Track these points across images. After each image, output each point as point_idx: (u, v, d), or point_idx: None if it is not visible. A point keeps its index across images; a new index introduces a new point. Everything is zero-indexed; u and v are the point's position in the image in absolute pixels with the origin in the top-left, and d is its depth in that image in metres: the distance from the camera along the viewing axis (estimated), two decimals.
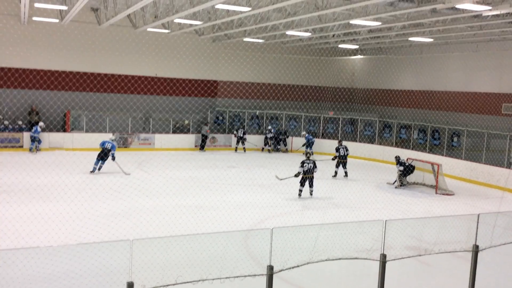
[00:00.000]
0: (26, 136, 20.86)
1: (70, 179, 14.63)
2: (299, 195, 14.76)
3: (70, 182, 14.23)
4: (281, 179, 15.37)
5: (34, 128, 20.57)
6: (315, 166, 14.77)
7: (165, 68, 25.48)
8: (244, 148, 24.32)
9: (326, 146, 23.99)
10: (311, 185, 14.86)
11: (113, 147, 16.99)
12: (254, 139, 25.04)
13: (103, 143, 17.11)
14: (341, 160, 18.51)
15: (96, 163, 16.90)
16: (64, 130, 22.55)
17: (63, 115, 22.90)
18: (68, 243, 9.16)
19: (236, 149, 24.37)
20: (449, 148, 21.71)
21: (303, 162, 14.72)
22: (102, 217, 11.54)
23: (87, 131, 22.36)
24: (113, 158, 16.84)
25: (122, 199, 13.27)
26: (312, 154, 22.41)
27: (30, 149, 20.57)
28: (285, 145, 25.38)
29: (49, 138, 21.25)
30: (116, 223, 10.86)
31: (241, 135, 24.27)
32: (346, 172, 18.59)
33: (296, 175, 14.77)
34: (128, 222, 11.17)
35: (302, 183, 14.75)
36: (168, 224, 11.01)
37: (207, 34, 23.84)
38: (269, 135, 24.98)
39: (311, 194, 14.87)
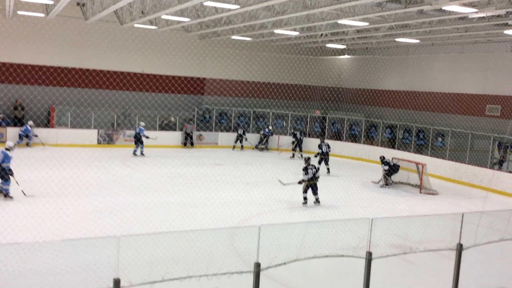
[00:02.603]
0: (10, 130, 20.58)
1: (57, 175, 14.48)
2: (305, 203, 13.86)
3: (56, 177, 14.08)
4: (284, 184, 14.48)
5: (24, 127, 20.69)
6: (317, 171, 14.00)
7: (152, 65, 25.32)
8: (242, 146, 24.51)
9: (312, 145, 24.03)
10: (315, 193, 13.92)
11: (141, 130, 20.58)
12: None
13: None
14: (323, 157, 18.90)
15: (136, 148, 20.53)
16: (49, 126, 22.31)
17: (48, 110, 22.65)
18: (54, 239, 9.07)
19: (233, 147, 24.52)
20: (433, 148, 21.98)
21: (306, 169, 13.78)
22: (88, 213, 11.46)
23: (71, 127, 22.15)
24: (146, 137, 20.58)
25: (108, 195, 13.20)
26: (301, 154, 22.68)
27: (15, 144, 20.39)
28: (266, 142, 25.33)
29: (33, 133, 21.00)
30: (103, 219, 10.80)
31: (241, 133, 24.49)
32: (328, 169, 18.95)
33: (300, 182, 13.95)
34: (115, 218, 11.10)
35: (305, 190, 13.89)
36: (155, 220, 10.99)
37: (195, 31, 23.76)
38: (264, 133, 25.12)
39: (318, 202, 13.93)
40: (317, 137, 25.32)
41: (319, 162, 18.72)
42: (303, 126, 26.63)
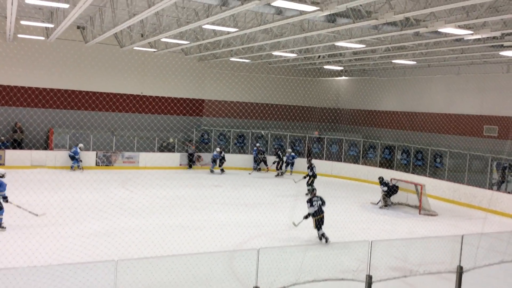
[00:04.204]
0: (8, 153, 20.56)
1: (55, 198, 14.41)
2: (325, 240, 12.12)
3: (54, 200, 14.01)
4: (296, 225, 12.71)
5: (73, 149, 21.09)
6: (323, 203, 12.47)
7: (151, 87, 25.48)
8: (222, 169, 23.58)
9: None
10: (320, 227, 12.23)
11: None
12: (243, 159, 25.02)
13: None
14: (313, 178, 18.92)
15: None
16: (47, 148, 22.30)
17: (46, 132, 22.67)
18: (51, 264, 8.98)
19: (212, 171, 23.42)
20: (432, 168, 21.98)
21: (311, 201, 12.35)
22: (85, 237, 11.37)
23: (70, 149, 22.13)
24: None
25: (106, 219, 13.10)
26: (291, 174, 22.66)
27: (71, 167, 21.05)
28: (265, 164, 25.06)
29: (31, 155, 20.98)
30: (101, 243, 10.72)
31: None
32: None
33: (306, 217, 12.40)
34: (113, 242, 11.02)
35: (318, 227, 12.21)
36: (153, 244, 10.90)
37: (194, 53, 23.97)
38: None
39: (326, 241, 12.10)
40: (314, 158, 25.33)
41: (309, 184, 18.64)
42: (302, 146, 26.66)
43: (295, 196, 18.15)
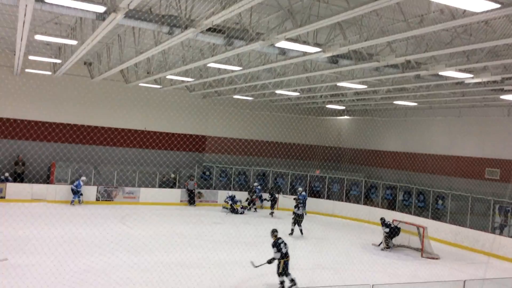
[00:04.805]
0: (9, 186, 20.53)
1: (53, 232, 14.29)
2: (294, 284, 11.35)
3: (52, 234, 13.89)
4: (256, 267, 11.63)
5: (76, 182, 21.01)
6: (285, 245, 11.53)
7: (155, 122, 25.68)
8: (189, 202, 23.80)
9: (311, 205, 23.79)
10: (288, 273, 11.33)
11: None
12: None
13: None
14: (298, 218, 18.26)
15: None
16: (49, 182, 22.27)
17: (48, 166, 22.70)
18: None
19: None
20: (434, 210, 21.80)
21: (276, 244, 11.34)
22: (80, 273, 11.18)
23: (72, 182, 22.09)
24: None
25: (102, 255, 12.93)
26: (306, 214, 21.81)
27: (72, 202, 20.89)
28: (261, 202, 24.59)
29: (33, 189, 20.94)
30: (94, 279, 10.54)
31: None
32: (301, 230, 18.24)
33: (270, 262, 11.39)
34: (107, 278, 10.84)
35: (282, 272, 11.27)
36: (150, 283, 10.73)
37: (198, 90, 24.28)
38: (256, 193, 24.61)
39: (293, 283, 11.33)
40: (318, 196, 25.20)
41: (294, 223, 18.27)
42: (304, 185, 26.45)
43: (295, 236, 17.97)
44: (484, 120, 21.98)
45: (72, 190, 20.98)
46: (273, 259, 11.29)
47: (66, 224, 16.39)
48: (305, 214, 22.73)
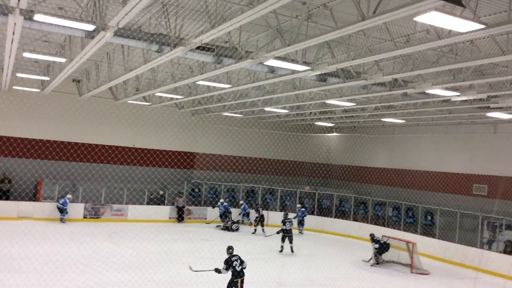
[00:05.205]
0: None
1: (38, 250, 14.07)
2: None
3: (37, 253, 13.67)
4: (194, 271, 11.37)
5: (62, 200, 20.68)
6: (242, 263, 10.80)
7: (143, 139, 25.59)
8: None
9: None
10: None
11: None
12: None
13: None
14: (287, 234, 17.95)
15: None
16: (35, 199, 22.00)
17: (35, 183, 22.44)
18: None
19: (255, 230, 22.18)
20: (423, 226, 21.88)
21: (229, 262, 10.67)
22: None
23: (58, 200, 21.82)
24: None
25: (88, 273, 12.75)
26: (302, 233, 21.11)
27: (62, 220, 20.62)
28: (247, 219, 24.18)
29: (19, 207, 20.65)
30: None
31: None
32: (292, 248, 17.98)
33: (217, 270, 10.82)
34: None
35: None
36: None
37: (187, 107, 24.29)
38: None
39: None
40: (308, 213, 25.10)
41: (283, 240, 18.00)
42: (293, 201, 26.45)
43: (284, 253, 17.89)
44: (471, 137, 22.25)
45: (59, 208, 20.67)
46: (220, 271, 10.69)
47: (52, 242, 16.17)
48: (302, 233, 22.65)
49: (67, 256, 14.18)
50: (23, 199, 21.50)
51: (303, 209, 23.55)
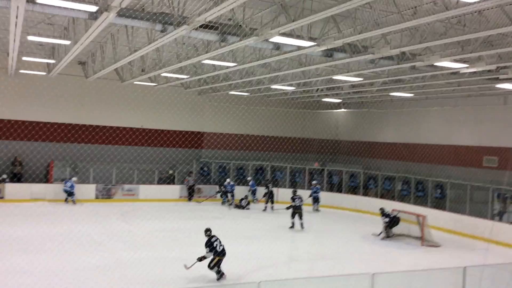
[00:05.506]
0: (7, 186, 20.52)
1: (52, 230, 14.33)
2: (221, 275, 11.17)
3: (51, 233, 13.93)
4: (188, 267, 11.15)
5: (69, 183, 20.69)
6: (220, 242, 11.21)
7: (151, 120, 25.68)
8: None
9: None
10: (219, 270, 11.05)
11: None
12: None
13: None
14: (297, 210, 17.90)
15: None
16: (47, 181, 22.27)
17: (46, 165, 22.69)
18: None
19: (265, 208, 22.34)
20: (433, 199, 21.89)
21: (210, 243, 11.08)
22: (82, 270, 11.24)
23: (65, 184, 22.03)
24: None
25: (104, 252, 12.99)
26: (318, 210, 21.20)
27: (66, 200, 20.65)
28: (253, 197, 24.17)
29: (31, 189, 20.94)
30: (99, 277, 10.59)
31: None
32: (302, 224, 17.90)
33: (201, 259, 11.13)
34: (111, 276, 10.89)
35: (214, 266, 11.07)
36: (151, 278, 10.77)
37: (193, 87, 24.25)
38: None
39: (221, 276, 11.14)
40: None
41: (293, 216, 17.95)
42: (302, 178, 26.53)
43: (295, 229, 18.04)
44: (481, 109, 22.04)
45: (66, 191, 20.65)
46: (204, 257, 11.06)
47: (65, 222, 16.44)
48: (318, 210, 22.62)
49: (81, 235, 14.42)
50: (34, 181, 21.77)
51: (318, 186, 23.28)
